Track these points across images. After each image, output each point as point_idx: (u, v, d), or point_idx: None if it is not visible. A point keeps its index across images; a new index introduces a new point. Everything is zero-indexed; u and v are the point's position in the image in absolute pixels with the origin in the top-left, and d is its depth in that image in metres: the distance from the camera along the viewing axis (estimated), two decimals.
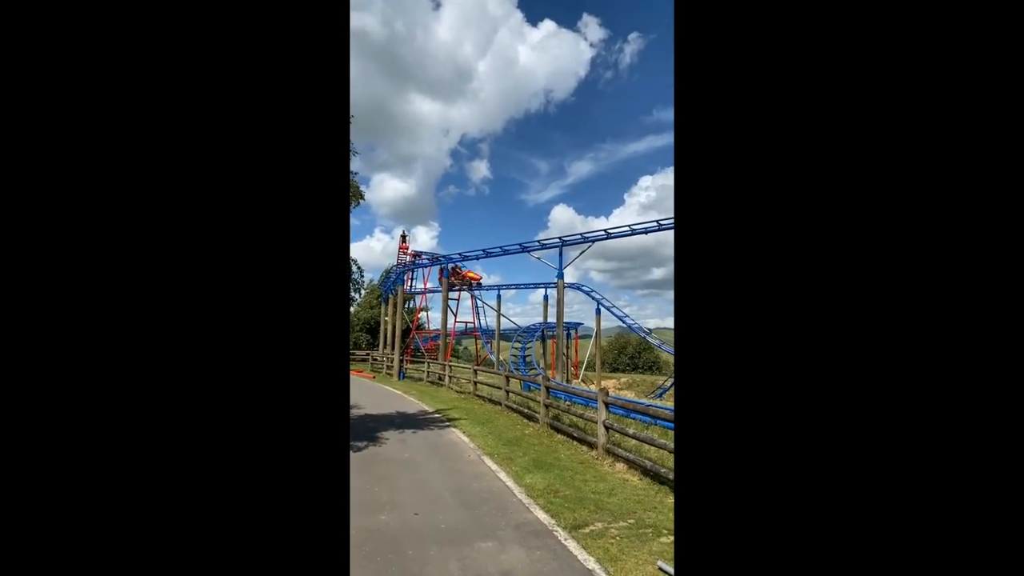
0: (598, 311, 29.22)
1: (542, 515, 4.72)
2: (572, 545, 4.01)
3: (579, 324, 34.09)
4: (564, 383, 18.60)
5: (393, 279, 25.83)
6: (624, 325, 29.81)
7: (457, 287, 30.03)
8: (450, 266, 28.63)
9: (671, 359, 30.57)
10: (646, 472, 6.07)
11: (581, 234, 20.12)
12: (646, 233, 19.20)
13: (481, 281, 30.42)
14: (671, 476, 5.59)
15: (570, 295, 27.31)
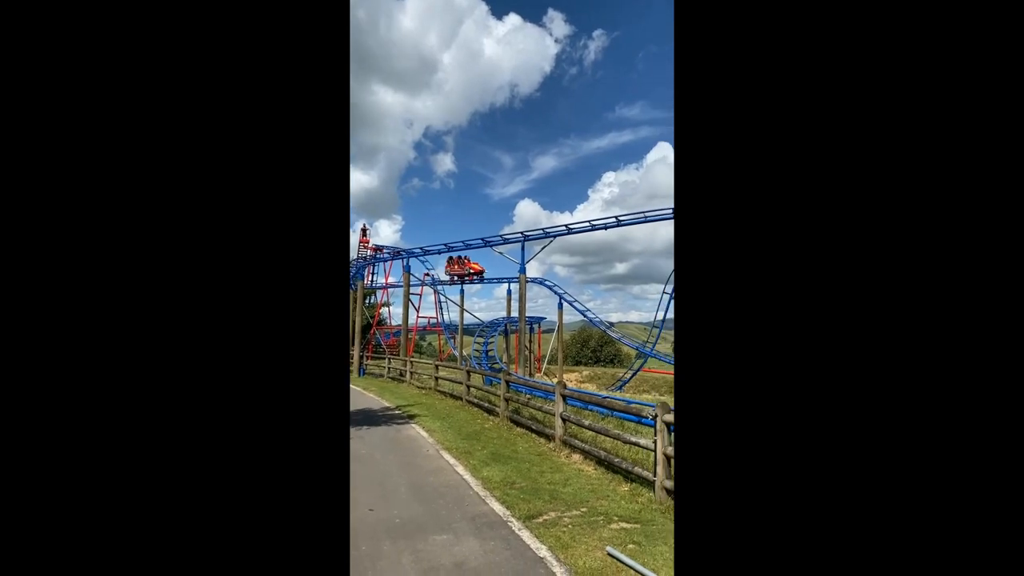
0: (560, 305, 29.56)
1: (497, 507, 4.78)
2: (525, 535, 4.10)
3: (542, 318, 34.40)
4: (525, 377, 18.75)
5: (353, 273, 25.37)
6: (586, 319, 30.27)
7: (459, 279, 29.54)
8: (452, 256, 27.94)
9: (632, 352, 31.26)
10: (600, 462, 6.23)
11: (543, 229, 20.29)
12: (605, 229, 19.54)
13: (484, 273, 29.85)
14: (623, 465, 5.77)
15: (534, 290, 27.57)
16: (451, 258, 29.37)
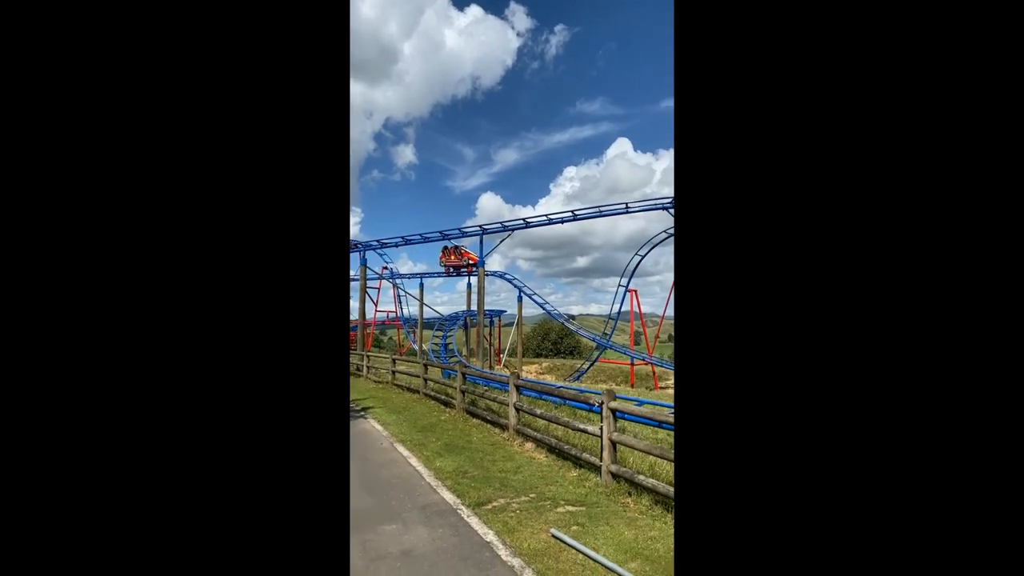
0: (520, 299, 29.79)
1: (448, 495, 4.86)
2: (474, 521, 4.20)
3: (502, 312, 34.57)
4: (482, 369, 18.85)
5: None
6: (546, 312, 30.65)
7: (454, 270, 28.04)
8: (448, 246, 26.81)
9: (591, 344, 31.88)
10: (552, 449, 6.41)
11: (501, 223, 20.37)
12: (562, 223, 19.81)
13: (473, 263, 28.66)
14: (573, 452, 5.96)
15: (496, 283, 27.49)
16: (446, 248, 27.69)
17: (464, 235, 21.50)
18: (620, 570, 3.28)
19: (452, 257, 27.73)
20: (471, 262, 27.51)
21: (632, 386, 24.24)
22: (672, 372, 27.31)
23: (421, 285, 31.14)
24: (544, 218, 19.89)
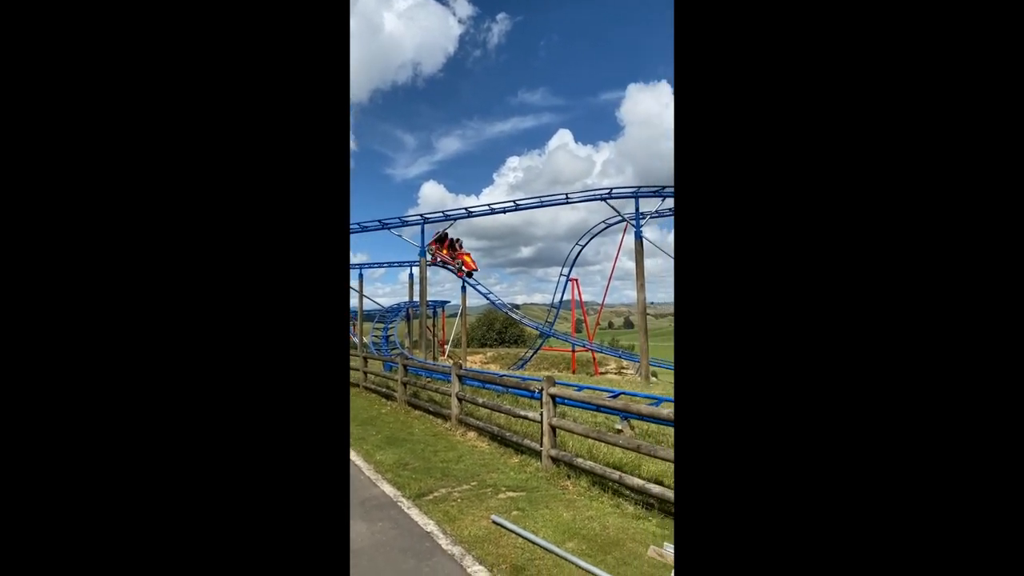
0: (464, 289, 29.67)
1: (388, 488, 4.80)
2: (414, 512, 4.17)
3: (446, 302, 34.31)
4: (425, 360, 18.68)
5: None
6: (490, 302, 30.74)
7: (452, 265, 24.15)
8: (444, 235, 23.16)
9: (534, 332, 32.32)
10: (494, 437, 6.47)
11: (443, 212, 20.15)
12: (505, 212, 19.86)
13: (474, 272, 24.91)
14: (514, 439, 6.04)
15: (441, 274, 27.03)
16: (441, 238, 23.54)
17: (405, 224, 21.07)
18: (557, 550, 3.38)
19: (445, 252, 24.40)
20: (463, 265, 24.49)
21: (573, 372, 24.85)
22: (612, 358, 28.25)
23: (360, 276, 30.31)
24: (487, 208, 19.85)
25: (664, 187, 20.38)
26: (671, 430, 7.41)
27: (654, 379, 19.87)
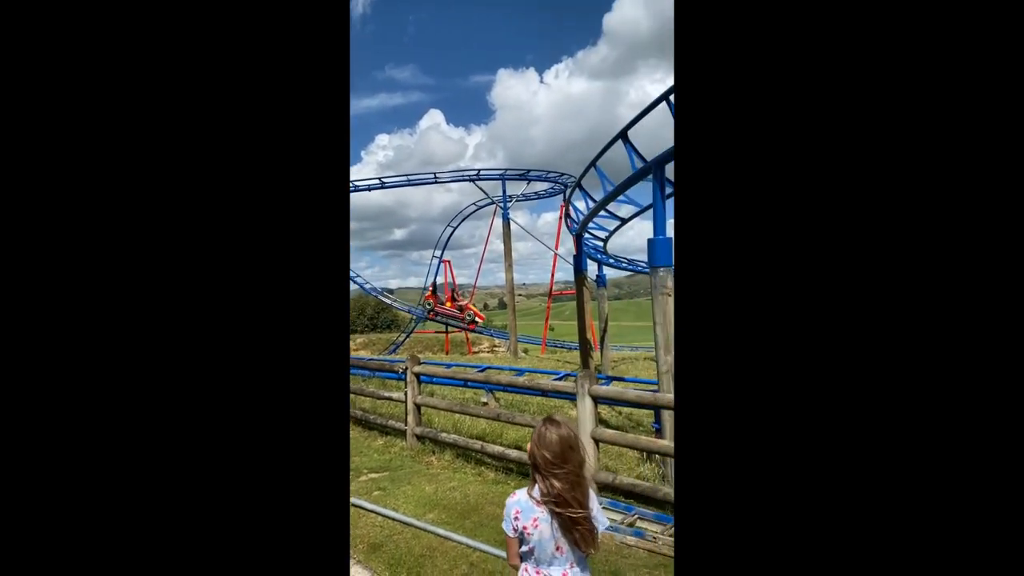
0: None
1: None
2: None
3: None
4: None
5: None
6: (359, 286, 29.43)
7: (460, 320, 20.58)
8: (440, 291, 19.51)
9: (408, 316, 31.72)
10: (358, 421, 6.27)
11: None
12: (370, 190, 19.05)
13: (480, 322, 21.56)
14: (379, 421, 5.92)
15: None
16: (435, 287, 20.41)
17: None
18: (415, 522, 3.41)
19: (450, 304, 21.10)
20: (477, 317, 21.62)
21: (447, 353, 24.98)
22: (486, 337, 28.95)
23: None
24: (351, 186, 18.83)
25: (529, 170, 21.13)
26: (534, 398, 7.87)
27: (523, 355, 20.85)
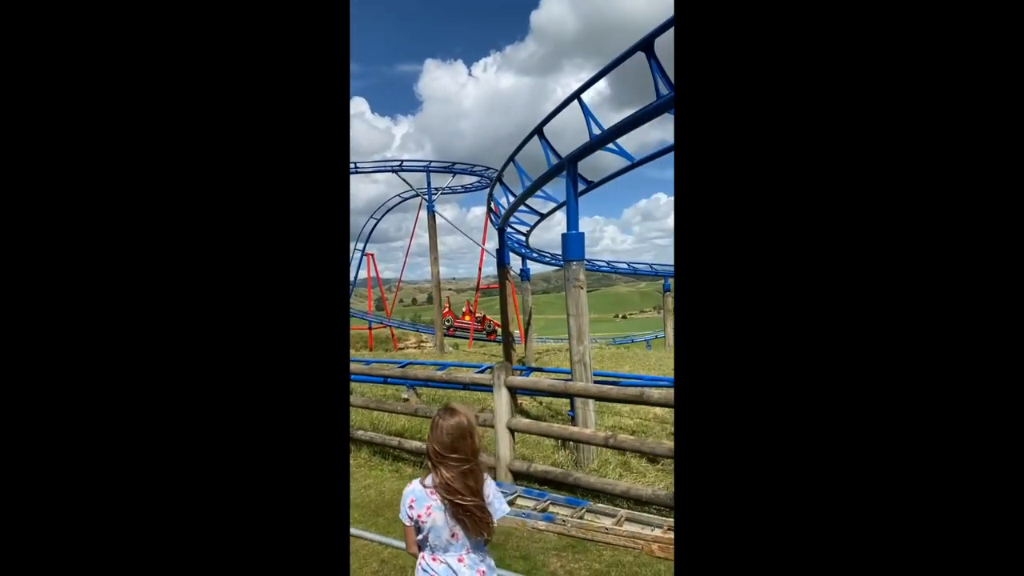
0: None
1: None
2: None
3: None
4: None
5: None
6: None
7: (480, 331, 20.43)
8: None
9: None
10: None
11: None
12: None
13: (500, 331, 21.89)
14: None
15: None
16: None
17: None
18: None
19: (467, 317, 21.45)
20: (494, 327, 21.84)
21: (371, 350, 24.32)
22: (412, 333, 28.49)
23: None
24: None
25: (454, 163, 20.98)
26: (458, 392, 7.86)
27: (452, 349, 20.77)
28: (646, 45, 4.18)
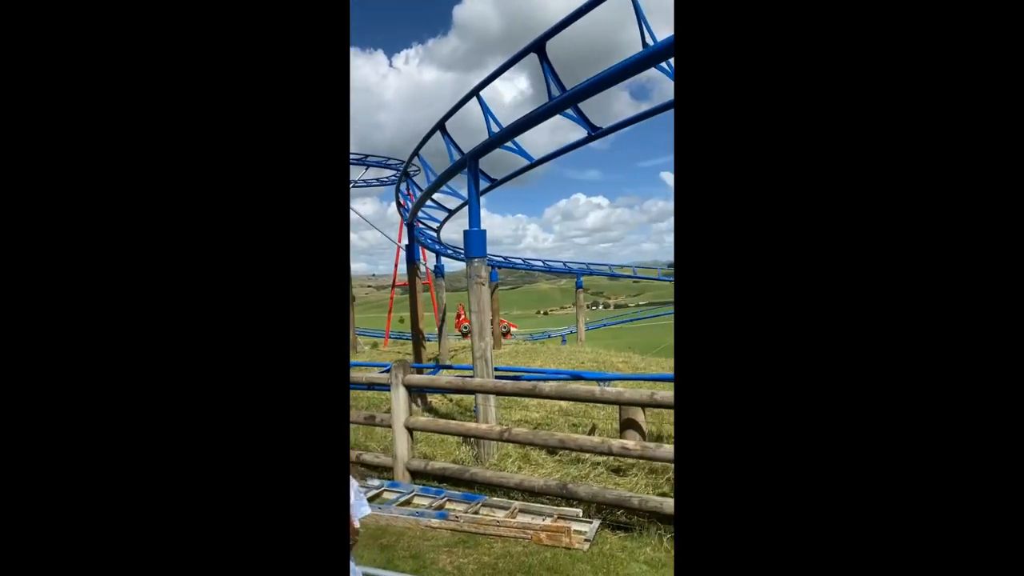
0: None
1: None
2: None
3: None
4: None
5: None
6: None
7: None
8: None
9: None
10: None
11: None
12: None
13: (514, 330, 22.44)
14: None
15: None
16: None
17: None
18: None
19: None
20: (509, 328, 22.51)
21: None
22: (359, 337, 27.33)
23: None
24: None
25: (367, 155, 20.31)
26: (364, 393, 7.63)
27: (366, 348, 20.25)
28: (538, 47, 4.27)
